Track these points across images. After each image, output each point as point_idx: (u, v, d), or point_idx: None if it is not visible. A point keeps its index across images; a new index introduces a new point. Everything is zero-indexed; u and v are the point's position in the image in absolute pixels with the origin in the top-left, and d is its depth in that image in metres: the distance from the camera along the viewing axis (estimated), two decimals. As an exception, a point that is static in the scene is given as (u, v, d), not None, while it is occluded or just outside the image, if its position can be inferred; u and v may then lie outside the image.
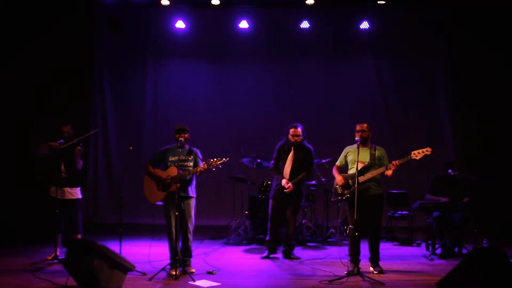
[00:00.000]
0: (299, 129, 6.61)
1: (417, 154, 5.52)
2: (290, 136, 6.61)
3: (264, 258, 6.64)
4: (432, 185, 7.17)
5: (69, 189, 6.39)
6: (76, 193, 6.46)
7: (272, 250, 6.71)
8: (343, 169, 6.05)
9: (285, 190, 6.51)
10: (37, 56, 9.32)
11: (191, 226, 5.84)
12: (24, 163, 8.95)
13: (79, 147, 6.37)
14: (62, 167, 6.34)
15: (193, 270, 5.82)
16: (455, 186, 7.05)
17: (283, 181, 6.53)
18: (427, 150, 5.50)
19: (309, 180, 6.90)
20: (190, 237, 5.85)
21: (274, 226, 6.71)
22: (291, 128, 6.63)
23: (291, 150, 6.64)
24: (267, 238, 6.75)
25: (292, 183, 6.50)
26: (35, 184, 8.60)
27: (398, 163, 5.56)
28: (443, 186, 7.06)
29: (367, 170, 5.72)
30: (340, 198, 5.87)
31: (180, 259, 5.77)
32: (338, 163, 6.08)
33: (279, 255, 6.78)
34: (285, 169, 6.61)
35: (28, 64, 9.30)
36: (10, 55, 9.22)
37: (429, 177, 7.36)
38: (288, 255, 6.70)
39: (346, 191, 5.79)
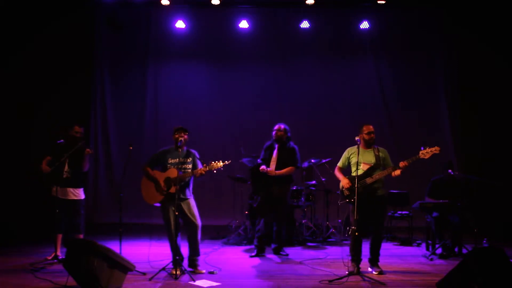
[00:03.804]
0: (282, 126, 6.84)
1: (425, 154, 5.48)
2: (273, 133, 6.85)
3: (252, 256, 6.72)
4: (432, 189, 7.15)
5: (72, 190, 6.33)
6: (79, 193, 6.40)
7: (261, 250, 6.80)
8: (345, 170, 6.02)
9: (262, 170, 6.67)
10: (37, 56, 9.33)
11: (199, 222, 5.79)
12: (24, 163, 8.95)
13: (88, 150, 6.28)
14: (66, 167, 6.30)
15: (203, 271, 5.77)
16: (455, 186, 7.05)
17: (264, 166, 6.70)
18: (435, 149, 5.46)
19: (291, 179, 7.01)
20: (199, 233, 5.79)
21: (265, 226, 6.82)
22: (275, 126, 6.89)
23: (275, 148, 6.82)
24: (256, 237, 6.84)
25: (275, 171, 6.69)
26: (35, 184, 8.60)
27: (406, 164, 5.53)
28: (444, 187, 7.05)
29: (374, 172, 5.71)
30: (348, 201, 5.78)
31: (181, 259, 5.77)
32: (340, 164, 6.03)
33: (268, 254, 6.84)
34: (270, 166, 6.76)
35: (28, 64, 9.31)
36: (11, 55, 9.22)
37: (429, 177, 7.35)
38: (277, 252, 6.84)
39: (354, 194, 5.75)
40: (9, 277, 5.59)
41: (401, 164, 5.55)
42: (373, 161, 5.77)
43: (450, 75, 9.67)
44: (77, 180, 6.38)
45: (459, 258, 6.40)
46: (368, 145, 5.88)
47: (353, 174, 5.84)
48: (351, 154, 5.93)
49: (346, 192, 5.81)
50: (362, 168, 5.74)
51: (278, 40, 9.94)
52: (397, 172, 5.61)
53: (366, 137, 5.82)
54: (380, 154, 5.82)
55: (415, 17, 9.68)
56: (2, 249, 7.21)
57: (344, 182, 5.82)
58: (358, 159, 5.68)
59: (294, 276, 5.71)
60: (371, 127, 5.87)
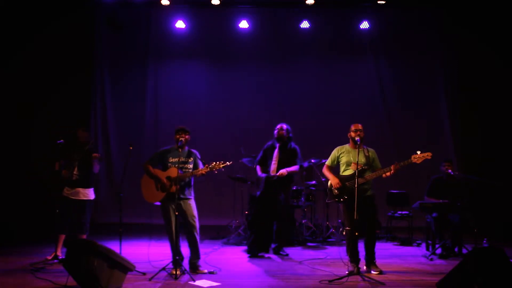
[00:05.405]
0: (284, 126, 6.86)
1: (417, 158, 5.52)
2: (275, 132, 6.86)
3: (251, 257, 6.72)
4: (432, 187, 7.15)
5: (81, 190, 6.39)
6: (88, 194, 6.45)
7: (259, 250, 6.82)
8: (334, 169, 6.02)
9: (278, 174, 6.65)
10: (37, 56, 9.34)
11: (197, 224, 5.79)
12: (24, 163, 8.95)
13: (96, 154, 6.40)
14: (75, 170, 6.37)
15: (205, 271, 5.76)
16: (455, 186, 7.06)
17: (272, 174, 6.68)
18: (427, 155, 5.50)
19: (292, 179, 7.01)
20: (197, 236, 5.78)
21: (260, 227, 6.83)
22: (277, 125, 6.91)
23: (276, 147, 6.81)
24: (253, 238, 6.85)
25: (281, 171, 6.65)
26: (35, 184, 8.61)
27: (398, 167, 5.55)
28: (444, 187, 7.06)
29: (364, 172, 5.71)
30: (336, 200, 5.85)
31: (181, 259, 5.77)
32: (329, 163, 6.03)
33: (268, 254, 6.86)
34: (272, 166, 6.76)
35: (28, 64, 9.31)
36: (11, 55, 9.23)
37: (429, 177, 7.36)
38: (277, 251, 6.85)
39: (343, 193, 5.78)
40: (9, 277, 5.59)
41: (393, 166, 5.57)
42: (363, 161, 5.77)
43: (450, 75, 9.68)
44: (86, 180, 6.44)
45: (459, 258, 6.40)
46: (356, 144, 5.80)
47: (343, 173, 5.90)
48: (340, 153, 5.95)
49: (335, 191, 5.83)
50: (352, 168, 5.74)
51: (278, 40, 9.94)
52: (388, 173, 5.62)
53: (353, 134, 5.82)
54: (370, 154, 5.82)
55: (415, 17, 9.69)
56: (2, 249, 7.22)
57: (334, 181, 5.84)
58: (357, 158, 5.64)
59: (294, 276, 5.71)
60: (359, 125, 5.87)
